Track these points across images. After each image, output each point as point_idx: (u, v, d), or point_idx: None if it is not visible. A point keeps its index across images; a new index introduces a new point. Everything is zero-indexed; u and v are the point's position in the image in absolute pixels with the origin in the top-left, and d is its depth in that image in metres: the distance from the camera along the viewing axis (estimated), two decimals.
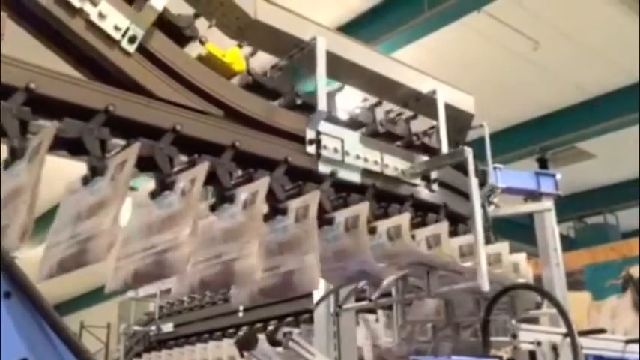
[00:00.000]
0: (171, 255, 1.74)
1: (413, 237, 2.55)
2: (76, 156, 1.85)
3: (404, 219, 2.46)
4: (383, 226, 2.48)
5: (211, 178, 2.04)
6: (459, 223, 2.94)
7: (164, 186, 1.92)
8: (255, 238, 1.90)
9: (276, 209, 2.18)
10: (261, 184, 2.02)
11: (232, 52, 2.33)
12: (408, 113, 2.99)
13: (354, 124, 2.75)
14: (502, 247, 2.88)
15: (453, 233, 2.82)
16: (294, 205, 2.16)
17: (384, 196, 2.66)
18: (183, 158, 2.09)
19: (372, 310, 4.44)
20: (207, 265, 1.99)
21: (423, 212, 2.81)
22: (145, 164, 1.93)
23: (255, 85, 2.40)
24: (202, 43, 2.24)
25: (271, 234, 2.14)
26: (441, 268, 2.59)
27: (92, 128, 1.84)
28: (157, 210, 1.89)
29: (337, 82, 2.79)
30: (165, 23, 2.12)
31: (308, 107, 2.45)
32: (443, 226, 2.64)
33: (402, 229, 2.42)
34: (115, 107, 1.89)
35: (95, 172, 1.82)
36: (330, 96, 2.67)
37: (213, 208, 2.10)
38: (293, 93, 2.51)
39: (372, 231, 2.44)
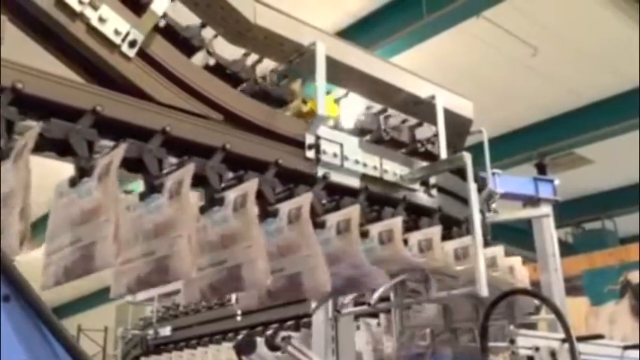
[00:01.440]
0: (173, 261, 1.74)
1: (405, 241, 2.55)
2: (63, 157, 1.83)
3: (396, 223, 2.45)
4: (375, 229, 2.47)
5: (201, 180, 2.03)
6: (453, 226, 2.94)
7: (153, 188, 1.90)
8: (256, 243, 1.90)
9: (267, 212, 2.16)
10: (250, 185, 1.99)
11: (327, 102, 2.48)
12: (412, 120, 3.00)
13: (358, 130, 2.76)
14: (497, 250, 2.88)
15: (448, 237, 2.81)
16: (285, 207, 2.15)
17: (381, 200, 2.66)
18: (173, 160, 2.07)
19: (374, 315, 4.44)
20: (214, 270, 1.98)
21: (418, 216, 2.81)
22: (133, 165, 1.91)
23: (259, 92, 2.41)
24: (209, 53, 2.25)
25: (265, 236, 2.13)
26: (432, 273, 2.59)
27: (79, 129, 1.81)
28: (148, 213, 1.87)
29: (338, 87, 2.80)
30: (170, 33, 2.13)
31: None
32: (436, 230, 2.64)
33: (394, 234, 2.41)
34: (103, 108, 1.87)
35: (83, 173, 1.79)
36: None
37: (202, 211, 2.08)
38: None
39: (364, 234, 2.43)
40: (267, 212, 2.15)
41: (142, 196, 1.92)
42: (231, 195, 2.01)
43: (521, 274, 2.95)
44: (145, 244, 1.83)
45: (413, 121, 3.00)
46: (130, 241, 1.86)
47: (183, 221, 1.78)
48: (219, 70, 2.34)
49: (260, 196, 2.07)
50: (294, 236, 2.08)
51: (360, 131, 2.81)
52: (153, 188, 1.90)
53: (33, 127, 1.71)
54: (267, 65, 2.60)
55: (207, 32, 2.35)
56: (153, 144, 1.96)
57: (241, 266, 1.90)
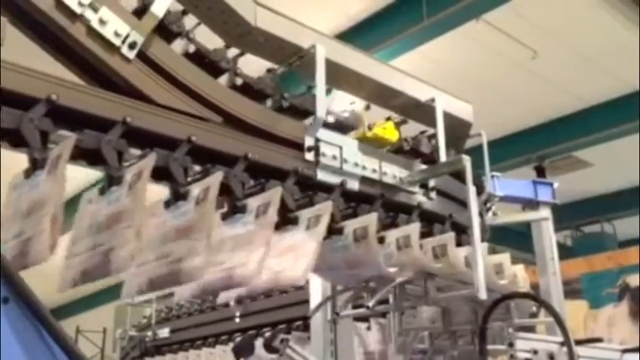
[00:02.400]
0: (185, 264, 1.78)
1: (420, 247, 2.57)
2: (94, 166, 1.90)
3: (413, 229, 2.50)
4: (392, 236, 2.51)
5: (224, 189, 2.06)
6: (461, 234, 2.94)
7: (178, 195, 1.96)
8: (262, 246, 1.93)
9: (287, 219, 2.21)
10: (274, 193, 2.06)
11: (389, 128, 2.74)
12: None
13: (342, 127, 2.76)
14: (503, 257, 2.88)
15: (457, 244, 2.82)
16: (306, 215, 2.19)
17: (392, 206, 2.68)
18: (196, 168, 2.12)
19: (364, 319, 4.44)
20: (219, 270, 2.01)
21: (429, 222, 2.82)
22: (159, 174, 1.96)
23: (244, 87, 2.42)
24: (190, 39, 2.26)
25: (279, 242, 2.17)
26: (447, 278, 2.60)
27: (110, 139, 1.87)
28: (171, 219, 1.93)
29: (337, 89, 2.80)
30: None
31: (295, 110, 2.48)
32: (450, 237, 2.66)
33: (412, 240, 2.46)
34: (133, 119, 1.92)
35: (112, 182, 1.85)
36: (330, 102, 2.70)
37: (224, 217, 2.14)
38: (281, 95, 2.53)
39: (381, 240, 2.46)
40: (287, 220, 2.21)
41: (168, 204, 1.98)
42: (254, 203, 2.07)
43: (525, 282, 2.96)
44: (160, 248, 1.88)
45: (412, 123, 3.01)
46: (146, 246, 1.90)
47: (205, 226, 1.82)
48: (243, 87, 2.39)
49: (281, 203, 2.12)
50: (306, 240, 2.12)
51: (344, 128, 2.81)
52: (178, 196, 1.95)
53: (68, 138, 1.76)
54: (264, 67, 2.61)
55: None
56: (179, 153, 2.01)
57: (236, 268, 1.94)
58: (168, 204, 1.97)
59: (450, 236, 2.66)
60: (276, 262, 2.10)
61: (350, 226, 2.34)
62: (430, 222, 2.84)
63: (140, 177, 1.78)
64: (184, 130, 2.06)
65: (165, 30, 2.16)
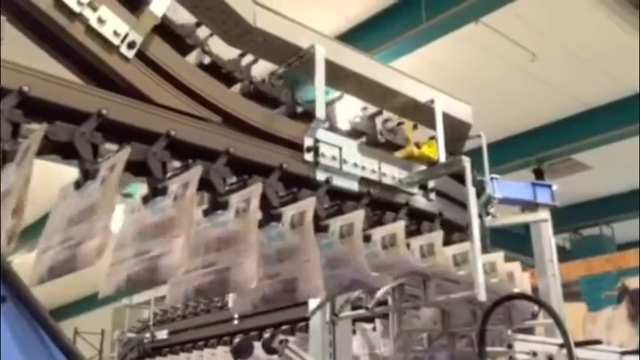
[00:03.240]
0: (163, 261, 1.73)
1: (407, 245, 2.55)
2: (68, 159, 1.84)
3: (398, 227, 2.45)
4: (377, 234, 2.47)
5: (205, 184, 2.03)
6: (454, 231, 2.93)
7: (156, 191, 1.91)
8: (252, 246, 1.89)
9: (270, 216, 2.16)
10: (254, 190, 2.00)
11: (431, 146, 2.82)
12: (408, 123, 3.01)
13: (354, 133, 2.76)
14: (497, 256, 2.88)
15: (448, 242, 2.81)
16: (289, 211, 2.15)
17: (381, 204, 2.66)
18: (177, 164, 2.08)
19: (369, 319, 4.43)
20: (202, 273, 1.98)
21: (418, 220, 2.81)
22: (137, 169, 1.92)
23: (257, 94, 2.41)
24: (205, 52, 2.25)
25: (267, 241, 2.14)
26: (434, 278, 2.58)
27: (84, 132, 1.82)
28: (150, 215, 1.88)
29: (336, 90, 2.79)
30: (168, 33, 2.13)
31: (308, 115, 2.45)
32: (437, 235, 2.64)
33: (397, 238, 2.41)
34: (109, 111, 1.88)
35: (87, 176, 1.80)
36: (330, 104, 2.69)
37: (206, 214, 2.09)
38: (293, 101, 2.52)
39: (367, 239, 2.43)
40: (270, 216, 2.15)
41: (146, 200, 1.93)
42: (234, 199, 2.02)
43: (521, 280, 2.95)
44: (139, 244, 1.84)
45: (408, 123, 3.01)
46: (126, 243, 1.87)
47: (183, 222, 1.78)
48: (257, 94, 2.39)
49: (264, 200, 2.06)
50: (297, 241, 2.07)
51: (355, 133, 2.81)
52: (157, 191, 1.90)
53: (37, 130, 1.71)
54: (266, 68, 2.61)
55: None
56: (157, 147, 1.96)
57: (230, 269, 1.90)
58: (146, 199, 1.92)
59: (437, 235, 2.64)
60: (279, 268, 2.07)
61: (335, 223, 2.32)
62: (422, 220, 2.83)
63: (113, 170, 1.73)
64: (163, 123, 2.01)
65: (181, 43, 2.17)
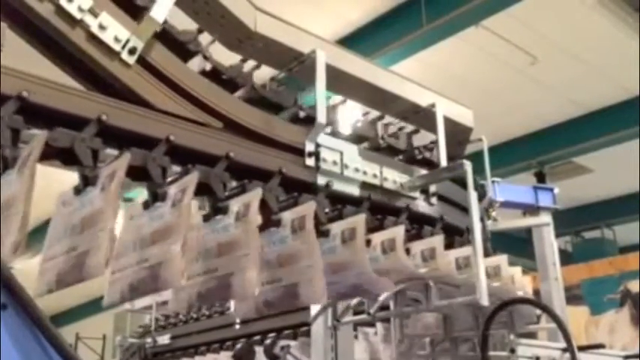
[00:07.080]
0: (165, 268, 1.73)
1: (408, 250, 2.54)
2: (68, 166, 1.83)
3: (398, 232, 2.44)
4: (377, 238, 2.46)
5: (205, 189, 2.02)
6: (455, 235, 2.93)
7: (156, 196, 1.90)
8: (253, 252, 1.89)
9: (270, 221, 2.16)
10: (254, 195, 1.99)
11: None
12: (410, 127, 3.00)
13: (355, 137, 2.76)
14: (501, 259, 2.87)
15: (450, 245, 2.81)
16: (289, 216, 2.14)
17: (382, 208, 2.65)
18: (177, 169, 2.07)
19: (371, 324, 4.41)
20: (205, 279, 1.98)
21: (420, 225, 2.81)
22: (137, 174, 1.91)
23: (259, 99, 2.41)
24: (206, 57, 2.25)
25: (268, 246, 2.13)
26: (435, 282, 2.57)
27: (84, 137, 1.82)
28: (150, 221, 1.87)
29: (337, 95, 2.79)
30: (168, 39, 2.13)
31: (311, 120, 2.45)
32: (438, 240, 2.63)
33: (396, 243, 2.40)
34: (108, 117, 1.88)
35: (87, 182, 1.79)
36: (332, 109, 2.69)
37: (206, 219, 2.08)
38: (296, 106, 2.51)
39: (366, 243, 2.42)
40: (270, 221, 2.15)
41: (146, 205, 1.92)
42: (235, 205, 2.01)
43: (522, 284, 2.94)
44: (140, 251, 1.83)
45: (410, 127, 3.00)
46: (127, 249, 1.86)
47: (183, 228, 1.77)
48: (259, 99, 2.39)
49: (263, 205, 2.06)
50: (298, 246, 2.07)
51: (356, 138, 2.81)
52: (156, 197, 1.90)
53: (38, 136, 1.71)
54: (267, 73, 2.60)
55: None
56: (157, 152, 1.96)
57: (231, 275, 1.90)
58: (146, 205, 1.91)
59: (439, 239, 2.63)
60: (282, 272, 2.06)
61: (337, 227, 2.31)
62: (424, 225, 2.82)
63: (113, 177, 1.72)
64: (163, 128, 2.00)
65: (182, 49, 2.16)
